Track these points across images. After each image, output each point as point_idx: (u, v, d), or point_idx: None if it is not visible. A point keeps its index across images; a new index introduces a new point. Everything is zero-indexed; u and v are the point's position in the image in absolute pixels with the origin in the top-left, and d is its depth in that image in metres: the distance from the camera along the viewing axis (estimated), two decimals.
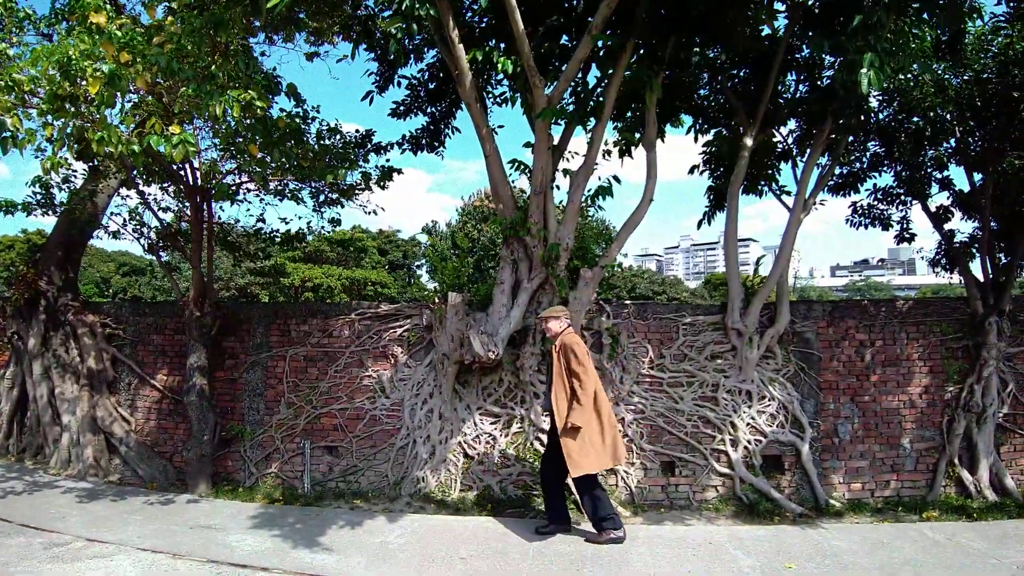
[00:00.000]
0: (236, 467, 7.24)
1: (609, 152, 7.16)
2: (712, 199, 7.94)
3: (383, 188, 8.46)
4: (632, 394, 6.72)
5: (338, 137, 7.80)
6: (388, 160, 8.39)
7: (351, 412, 7.04)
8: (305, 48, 7.44)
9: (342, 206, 8.81)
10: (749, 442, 6.58)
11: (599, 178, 6.66)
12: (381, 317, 7.16)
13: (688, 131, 7.55)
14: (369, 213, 8.87)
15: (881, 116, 7.09)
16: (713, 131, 7.54)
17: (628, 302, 7.03)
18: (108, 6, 5.47)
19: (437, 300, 6.97)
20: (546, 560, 4.84)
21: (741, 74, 7.20)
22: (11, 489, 6.75)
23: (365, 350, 7.13)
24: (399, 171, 8.41)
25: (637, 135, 6.83)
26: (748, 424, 6.62)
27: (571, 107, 6.78)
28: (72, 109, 5.18)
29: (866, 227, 8.13)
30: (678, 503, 6.51)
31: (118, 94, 5.06)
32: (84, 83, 4.97)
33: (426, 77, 7.93)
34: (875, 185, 7.88)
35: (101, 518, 5.90)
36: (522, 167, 6.89)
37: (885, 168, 7.56)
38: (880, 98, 6.99)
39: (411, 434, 6.84)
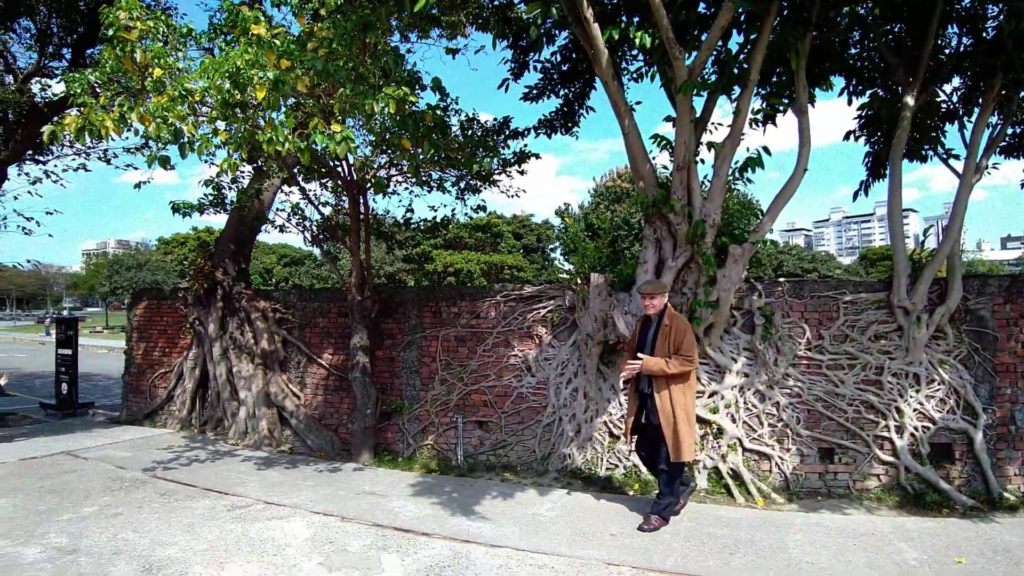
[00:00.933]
0: (395, 439, 7.79)
1: (756, 121, 6.81)
2: (870, 166, 7.30)
3: (522, 173, 8.67)
4: (787, 377, 6.38)
5: (477, 126, 8.05)
6: (526, 145, 8.53)
7: (499, 389, 7.31)
8: (443, 44, 7.74)
9: (480, 192, 9.09)
10: (916, 429, 6.04)
11: (747, 149, 6.37)
12: (525, 299, 7.34)
13: (840, 93, 6.99)
14: (512, 196, 9.10)
15: None
16: (868, 92, 6.92)
17: (782, 280, 6.66)
18: (263, 16, 6.00)
19: (579, 281, 7.02)
20: (698, 542, 4.77)
21: (896, 29, 6.54)
22: (195, 457, 7.69)
23: (511, 330, 7.35)
24: (536, 155, 8.55)
25: (785, 101, 6.43)
26: (915, 410, 6.08)
27: (713, 77, 6.51)
28: (242, 115, 5.74)
29: None
30: (836, 491, 6.13)
31: (281, 98, 5.55)
32: (251, 90, 5.47)
33: (559, 59, 7.94)
34: None
35: (276, 484, 6.57)
36: (663, 142, 6.72)
37: None
38: None
39: (557, 412, 6.97)
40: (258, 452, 7.99)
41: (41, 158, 11.48)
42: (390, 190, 8.90)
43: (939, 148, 6.90)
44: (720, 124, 6.65)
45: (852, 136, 7.35)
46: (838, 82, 6.90)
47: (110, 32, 5.23)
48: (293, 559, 4.51)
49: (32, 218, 11.65)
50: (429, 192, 8.89)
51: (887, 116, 6.70)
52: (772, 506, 5.73)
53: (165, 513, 5.55)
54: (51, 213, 12.30)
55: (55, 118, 10.57)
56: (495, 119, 8.59)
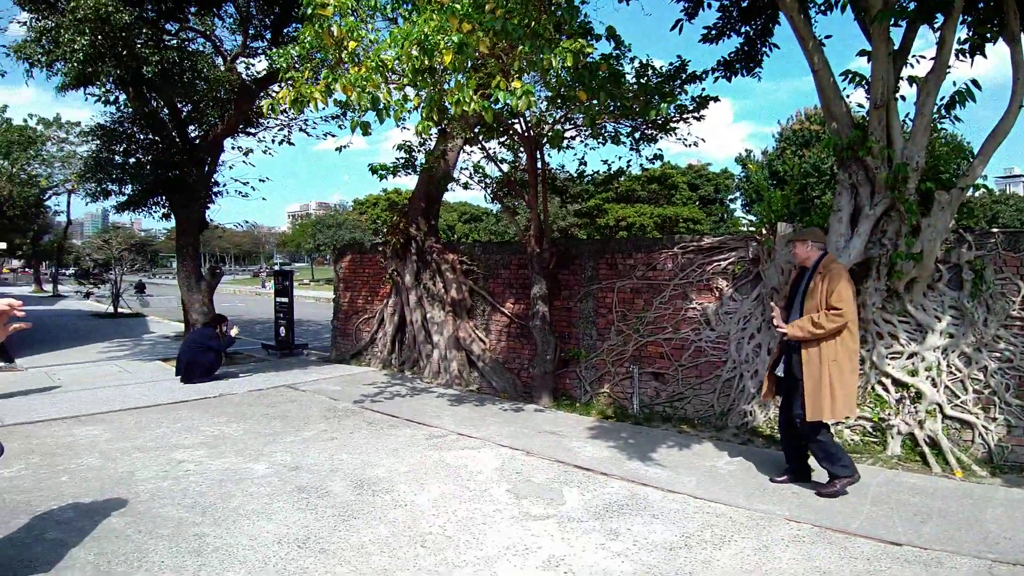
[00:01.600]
0: (572, 385, 8.11)
1: (963, 52, 5.92)
2: None
3: (700, 119, 8.34)
4: (998, 339, 5.61)
5: (652, 72, 7.85)
6: (703, 89, 8.15)
7: (676, 342, 7.28)
8: None
9: (655, 141, 8.89)
10: None
11: (952, 83, 5.60)
12: (704, 250, 7.16)
13: None
14: (689, 145, 8.81)
15: None
16: None
17: (996, 230, 5.82)
18: None
19: (764, 231, 6.70)
20: (887, 507, 4.48)
21: None
22: (396, 392, 8.60)
23: (689, 283, 7.24)
24: (715, 99, 8.15)
25: (994, 28, 5.51)
26: None
27: (912, 4, 5.74)
28: (430, 79, 6.12)
29: None
30: None
31: (468, 60, 5.83)
32: (438, 55, 5.80)
33: None
34: None
35: (467, 418, 7.19)
36: (857, 79, 6.11)
37: None
38: None
39: (738, 368, 6.81)
40: (449, 390, 8.76)
41: (252, 130, 13.17)
42: (565, 144, 9.03)
43: None
44: (922, 57, 5.89)
45: None
46: None
47: (309, 11, 5.81)
48: (484, 485, 4.97)
49: (248, 182, 13.60)
50: (604, 144, 8.87)
51: None
52: (972, 478, 5.18)
53: (372, 439, 6.34)
54: (263, 180, 14.18)
55: (269, 92, 12.03)
56: (670, 64, 8.30)
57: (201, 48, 10.93)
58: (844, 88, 6.12)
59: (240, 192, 13.66)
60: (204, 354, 9.36)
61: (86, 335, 15.19)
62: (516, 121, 7.97)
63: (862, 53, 5.93)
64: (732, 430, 6.55)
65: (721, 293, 7.03)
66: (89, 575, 3.42)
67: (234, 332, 9.93)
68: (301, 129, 13.39)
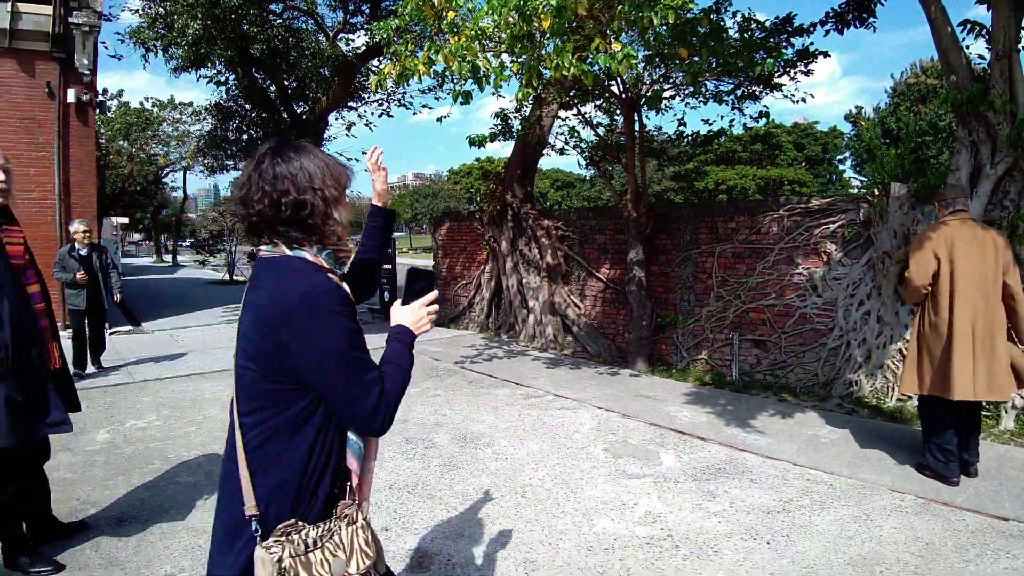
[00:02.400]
0: (668, 351, 8.06)
1: None
2: None
3: (808, 74, 7.92)
4: None
5: (755, 26, 7.49)
6: (811, 43, 7.71)
7: (779, 309, 7.06)
8: None
9: (759, 99, 8.50)
10: None
11: None
12: (812, 213, 6.86)
13: None
14: (796, 102, 8.44)
15: None
16: None
17: None
18: None
19: (877, 192, 6.33)
20: (995, 482, 4.22)
21: None
22: (494, 355, 8.86)
23: (795, 247, 6.97)
24: (825, 53, 7.71)
25: None
26: None
27: None
28: (529, 44, 6.14)
29: None
30: None
31: (565, 23, 5.80)
32: (536, 21, 5.80)
33: None
34: None
35: (563, 380, 7.33)
36: (978, 28, 5.60)
37: None
38: None
39: (845, 335, 6.53)
40: (545, 353, 8.93)
41: (354, 104, 13.64)
42: (663, 105, 8.81)
43: None
44: None
45: None
46: None
47: None
48: (581, 443, 5.11)
49: (352, 158, 14.12)
50: (704, 104, 8.60)
51: None
52: None
53: (473, 397, 6.62)
54: (365, 152, 14.66)
55: (371, 67, 12.40)
56: (776, 18, 7.87)
57: (304, 26, 11.41)
58: (963, 39, 5.65)
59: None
60: None
61: (205, 301, 16.40)
62: (613, 82, 7.85)
63: (982, 1, 5.43)
64: (836, 400, 6.32)
65: (829, 257, 6.72)
66: None
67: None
68: (399, 103, 13.77)
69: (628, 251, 7.99)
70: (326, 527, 1.44)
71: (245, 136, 11.93)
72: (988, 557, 3.25)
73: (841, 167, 39.55)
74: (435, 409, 6.14)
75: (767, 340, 7.13)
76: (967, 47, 5.72)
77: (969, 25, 5.69)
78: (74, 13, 9.83)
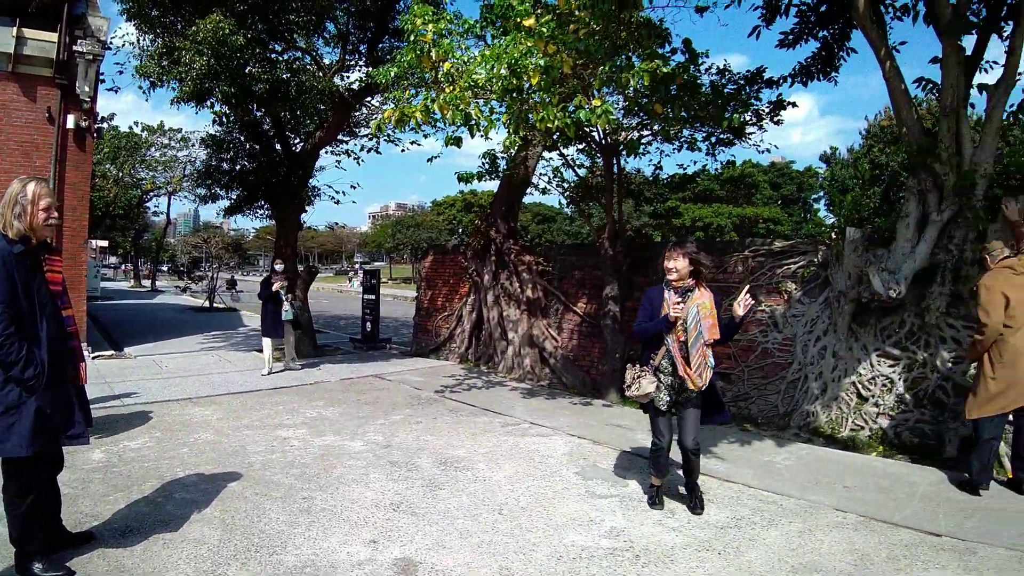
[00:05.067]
0: None
1: None
2: None
3: (776, 124, 8.49)
4: None
5: (727, 79, 8.06)
6: (780, 94, 8.31)
7: (743, 343, 7.53)
8: (692, 3, 7.83)
9: (732, 145, 9.08)
10: None
11: (1023, 91, 5.63)
12: (775, 253, 7.38)
13: None
14: (762, 152, 8.97)
15: None
16: None
17: None
18: (528, 3, 6.73)
19: (834, 236, 6.87)
20: (933, 503, 4.66)
21: None
22: (473, 384, 9.22)
23: (758, 285, 7.47)
24: (792, 104, 8.28)
25: None
26: None
27: (984, 13, 5.81)
28: (517, 97, 6.63)
29: None
30: None
31: (552, 79, 6.30)
32: (525, 76, 6.30)
33: (815, 1, 7.54)
34: None
35: (538, 410, 7.70)
36: (929, 85, 6.21)
37: None
38: None
39: (803, 369, 7.00)
40: (522, 384, 9.31)
41: (345, 139, 14.07)
42: (641, 151, 9.37)
43: None
44: (996, 63, 5.94)
45: None
46: None
47: (411, 38, 6.42)
48: (554, 467, 5.47)
49: (340, 191, 14.54)
50: (679, 151, 9.17)
51: None
52: None
53: (453, 424, 6.94)
54: (354, 187, 15.08)
55: (366, 103, 12.84)
56: (747, 71, 8.49)
57: (305, 64, 11.88)
58: (916, 95, 6.24)
59: (332, 198, 14.63)
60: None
61: (185, 327, 16.55)
62: (594, 129, 8.38)
63: (934, 60, 6.04)
64: (794, 430, 6.76)
65: (789, 296, 7.23)
66: (217, 526, 4.10)
67: (276, 286, 10.00)
68: (389, 139, 14.22)
69: (604, 286, 8.44)
70: None
71: (238, 167, 12.28)
72: (918, 567, 3.66)
73: (816, 206, 40.83)
74: (417, 435, 6.45)
75: (732, 373, 7.58)
76: (921, 104, 6.28)
77: (923, 82, 6.28)
78: (79, 41, 10.20)
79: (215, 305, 23.13)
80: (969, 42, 5.90)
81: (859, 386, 6.58)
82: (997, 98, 5.68)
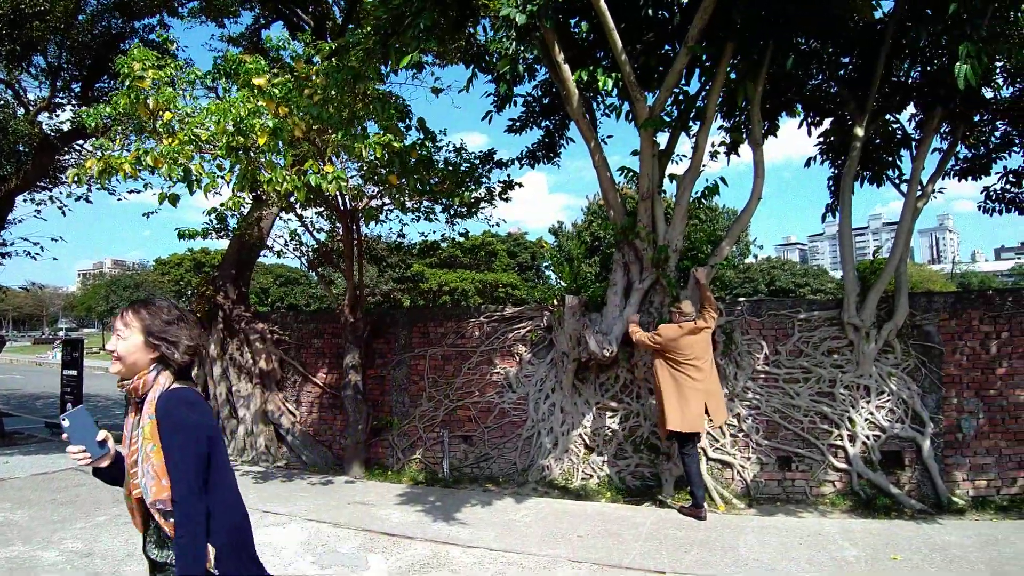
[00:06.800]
0: (385, 453, 8.27)
1: (716, 154, 7.37)
2: (833, 189, 7.83)
3: (506, 200, 9.22)
4: (747, 390, 6.88)
5: (462, 156, 8.60)
6: (509, 175, 9.09)
7: (482, 405, 7.81)
8: (429, 83, 8.32)
9: (468, 218, 9.63)
10: (867, 437, 6.54)
11: (706, 180, 6.92)
12: (507, 319, 7.86)
13: (800, 125, 7.55)
14: (494, 225, 9.63)
15: (1006, 93, 6.75)
16: (829, 120, 7.45)
17: (742, 299, 7.20)
18: (263, 62, 6.54)
19: (556, 302, 7.54)
20: (656, 542, 5.26)
21: (849, 63, 7.09)
22: None
23: (493, 349, 7.86)
24: (520, 184, 9.11)
25: (744, 134, 7.01)
26: (866, 419, 6.59)
27: (676, 112, 7.09)
28: (244, 156, 6.29)
29: (1000, 213, 7.67)
30: (794, 497, 6.62)
31: (281, 142, 6.11)
32: (253, 136, 6.02)
33: (540, 93, 8.49)
34: (1005, 168, 7.44)
35: (274, 495, 7.06)
36: (631, 174, 7.28)
37: (1016, 149, 7.15)
38: (1005, 75, 6.67)
39: (536, 426, 7.47)
40: (256, 467, 8.46)
41: (49, 186, 12.03)
42: (381, 218, 9.46)
43: (893, 172, 7.40)
44: (685, 156, 7.22)
45: (813, 162, 7.85)
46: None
47: (126, 83, 5.78)
48: (289, 559, 5.00)
49: (38, 243, 12.22)
50: (417, 221, 9.44)
51: (840, 145, 7.26)
52: (732, 511, 6.22)
53: None
54: (56, 240, 12.79)
55: (74, 146, 11.11)
56: (480, 151, 9.16)
57: (6, 98, 9.97)
58: (620, 181, 7.26)
59: (30, 253, 12.19)
60: None
61: None
62: (333, 196, 8.24)
63: (635, 152, 7.09)
64: (532, 484, 7.14)
65: (521, 358, 7.73)
66: None
67: None
68: (102, 188, 12.41)
69: (345, 355, 8.18)
70: None
71: None
72: None
73: (548, 273, 45.14)
74: (125, 539, 5.45)
75: (473, 435, 7.80)
76: (628, 187, 7.27)
77: (625, 171, 7.29)
78: None
79: None
80: (663, 138, 7.07)
81: (585, 437, 7.20)
82: (684, 185, 6.83)
